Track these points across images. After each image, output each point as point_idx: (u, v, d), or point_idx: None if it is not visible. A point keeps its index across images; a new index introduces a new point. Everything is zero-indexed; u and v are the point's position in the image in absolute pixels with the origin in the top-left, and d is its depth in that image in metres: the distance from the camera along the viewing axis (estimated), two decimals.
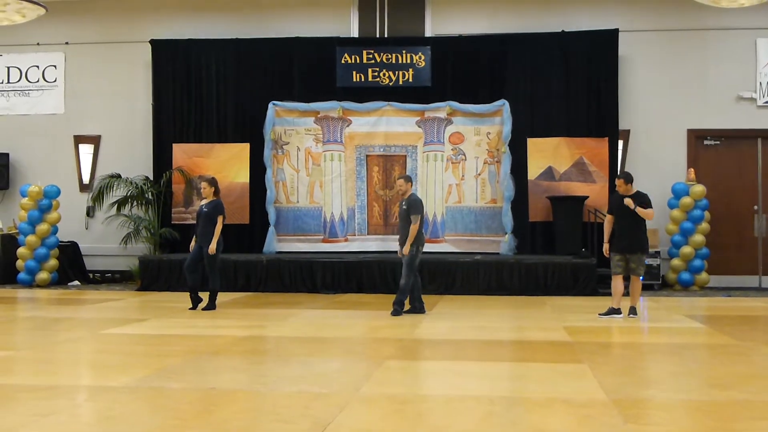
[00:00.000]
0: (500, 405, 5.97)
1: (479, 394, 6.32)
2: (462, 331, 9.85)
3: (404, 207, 11.22)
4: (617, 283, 11.01)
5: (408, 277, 11.11)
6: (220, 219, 11.65)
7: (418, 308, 11.37)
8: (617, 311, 10.88)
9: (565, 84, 15.86)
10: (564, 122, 15.84)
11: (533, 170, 15.84)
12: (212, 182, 12.06)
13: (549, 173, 15.83)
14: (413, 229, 10.99)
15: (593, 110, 15.82)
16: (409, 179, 11.55)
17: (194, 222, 16.20)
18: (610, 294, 13.82)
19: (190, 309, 11.67)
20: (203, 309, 11.67)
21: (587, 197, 15.31)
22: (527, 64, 15.98)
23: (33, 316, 11.56)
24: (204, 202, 11.97)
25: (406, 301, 11.30)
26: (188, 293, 11.89)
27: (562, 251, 15.05)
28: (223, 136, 16.62)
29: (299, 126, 16.36)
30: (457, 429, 5.22)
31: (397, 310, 11.13)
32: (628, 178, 10.92)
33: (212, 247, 11.51)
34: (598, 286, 14.15)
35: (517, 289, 14.23)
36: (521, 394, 6.46)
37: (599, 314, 10.97)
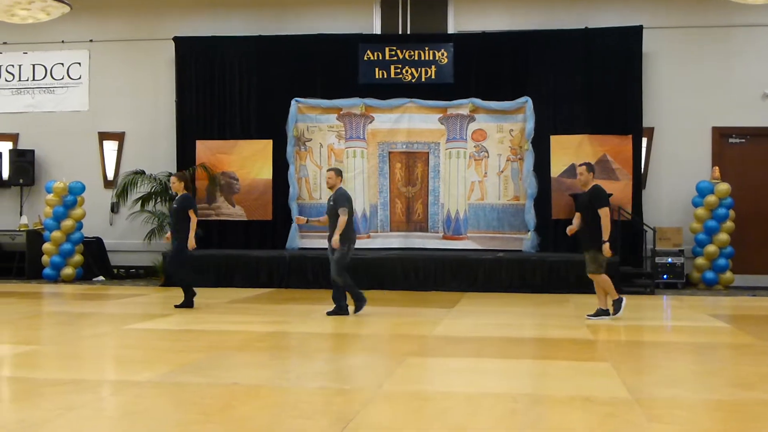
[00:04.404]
0: (522, 403, 5.96)
1: (501, 392, 6.31)
2: (484, 329, 9.84)
3: (331, 203, 10.84)
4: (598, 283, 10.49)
5: (341, 275, 10.70)
6: (191, 213, 11.43)
7: (344, 308, 10.88)
8: (606, 312, 10.44)
9: (589, 81, 15.77)
10: (587, 119, 15.75)
11: (556, 167, 15.77)
12: (181, 177, 11.86)
13: (572, 171, 15.72)
14: (341, 221, 10.58)
15: (617, 107, 15.72)
16: (339, 173, 11.09)
17: (217, 218, 16.51)
18: (634, 292, 13.84)
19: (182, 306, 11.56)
20: (177, 306, 11.49)
21: (611, 195, 15.13)
22: (550, 61, 15.91)
23: (58, 312, 11.65)
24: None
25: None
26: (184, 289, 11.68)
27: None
28: (246, 132, 16.67)
29: (322, 123, 16.39)
30: (479, 426, 5.21)
31: (359, 306, 10.83)
32: (590, 167, 10.54)
33: (191, 242, 11.36)
34: (622, 284, 14.07)
35: (539, 286, 14.20)
36: (543, 392, 6.45)
37: (588, 315, 10.54)
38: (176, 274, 11.70)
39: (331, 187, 10.96)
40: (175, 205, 11.66)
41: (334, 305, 10.89)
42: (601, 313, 10.42)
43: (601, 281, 10.41)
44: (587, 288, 13.78)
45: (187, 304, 11.49)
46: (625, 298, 10.56)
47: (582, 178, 10.43)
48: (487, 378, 6.93)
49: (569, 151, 15.74)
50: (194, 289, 11.60)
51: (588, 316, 10.46)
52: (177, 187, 11.72)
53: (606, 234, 10.07)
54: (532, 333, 9.85)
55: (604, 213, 10.13)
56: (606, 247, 10.06)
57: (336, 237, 10.56)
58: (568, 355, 8.03)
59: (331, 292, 10.97)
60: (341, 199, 10.75)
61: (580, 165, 10.64)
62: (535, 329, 10.14)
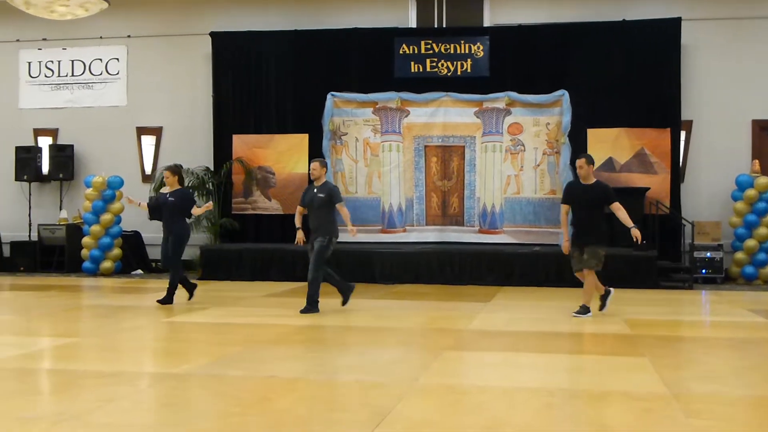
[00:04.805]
0: (559, 397, 5.94)
1: (537, 386, 6.29)
2: (520, 323, 9.81)
3: (321, 195, 10.36)
4: (587, 280, 10.19)
5: (319, 270, 10.34)
6: (195, 209, 11.23)
7: (350, 288, 10.69)
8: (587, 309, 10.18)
9: (627, 73, 15.62)
10: (625, 112, 15.62)
11: None
12: (175, 170, 11.37)
13: (609, 164, 15.64)
14: (345, 211, 10.44)
15: (655, 100, 15.57)
16: (324, 164, 10.68)
17: (254, 212, 16.59)
18: (672, 287, 13.71)
19: (188, 300, 11.41)
20: (159, 301, 11.22)
21: (648, 189, 15.10)
22: (588, 54, 15.78)
23: (97, 305, 11.78)
24: (166, 190, 11.41)
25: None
26: (185, 284, 11.44)
27: (622, 243, 14.84)
28: (282, 126, 16.74)
29: (357, 117, 16.41)
30: (516, 421, 5.20)
31: (309, 307, 10.38)
32: (590, 160, 10.16)
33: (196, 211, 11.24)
34: (659, 278, 13.97)
35: (576, 281, 14.02)
36: (580, 387, 6.42)
37: (573, 313, 10.20)
38: (175, 270, 11.24)
39: (316, 179, 10.54)
40: (171, 198, 11.14)
41: (342, 295, 10.71)
42: (586, 310, 10.18)
43: (592, 278, 10.17)
44: (624, 283, 13.73)
45: (170, 299, 11.23)
46: (613, 291, 10.42)
47: (582, 171, 10.10)
48: (523, 372, 6.91)
49: (606, 145, 15.63)
50: (234, 282, 11.52)
51: (575, 313, 10.18)
52: (171, 181, 11.28)
53: (630, 221, 9.94)
54: (568, 328, 9.78)
55: (618, 206, 9.99)
56: (636, 231, 9.90)
57: (350, 226, 10.39)
58: (605, 350, 7.99)
59: (336, 287, 10.71)
60: (337, 192, 10.61)
61: (579, 157, 10.31)
62: (571, 324, 10.08)
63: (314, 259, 10.35)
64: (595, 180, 10.18)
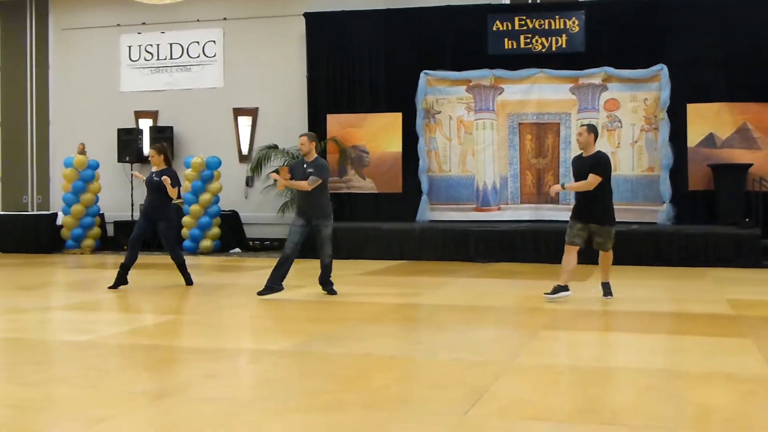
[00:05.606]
0: (659, 378, 5.84)
1: (637, 367, 6.20)
2: (617, 302, 9.66)
3: (311, 171, 9.70)
4: (571, 256, 9.47)
5: (331, 256, 9.95)
6: (177, 189, 10.76)
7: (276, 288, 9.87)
8: (565, 288, 9.46)
9: (727, 46, 15.11)
10: (726, 86, 15.15)
11: (693, 137, 15.27)
12: (161, 149, 11.01)
13: (710, 140, 15.23)
14: (304, 184, 9.59)
15: (757, 73, 15.05)
16: (313, 138, 10.04)
17: (348, 191, 16.72)
18: None
19: (110, 287, 10.73)
20: (187, 283, 11.08)
21: (751, 165, 14.65)
22: (686, 27, 15.32)
23: (197, 282, 12.02)
24: (154, 170, 10.97)
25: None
26: (120, 269, 10.81)
27: (723, 221, 14.49)
28: (375, 105, 16.79)
29: (451, 95, 16.34)
30: (616, 401, 5.14)
31: (331, 289, 10.04)
32: (591, 129, 9.49)
33: (173, 193, 10.61)
34: (764, 257, 13.57)
35: (675, 260, 13.80)
36: (681, 368, 6.29)
37: (545, 294, 9.51)
38: (175, 252, 10.99)
39: (305, 154, 9.88)
40: (155, 178, 10.75)
41: (267, 285, 9.79)
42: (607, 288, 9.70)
43: (610, 258, 9.65)
44: (726, 262, 13.40)
45: (189, 280, 11.15)
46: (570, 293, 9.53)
47: (581, 139, 9.47)
48: (622, 352, 6.82)
49: (707, 120, 15.21)
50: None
51: (605, 295, 9.70)
52: (156, 160, 10.91)
53: (575, 187, 9.42)
54: (667, 307, 9.60)
55: (594, 179, 9.22)
56: (557, 187, 9.58)
57: (291, 181, 9.67)
58: (706, 331, 7.80)
59: (274, 274, 9.85)
60: (323, 169, 9.80)
61: (582, 125, 9.78)
62: (671, 303, 9.89)
63: (329, 245, 9.89)
64: (595, 151, 9.49)
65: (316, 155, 9.90)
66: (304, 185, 9.62)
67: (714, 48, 15.16)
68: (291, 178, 9.79)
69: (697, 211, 15.27)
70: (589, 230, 9.46)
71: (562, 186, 9.52)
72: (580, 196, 9.53)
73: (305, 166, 9.79)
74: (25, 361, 6.42)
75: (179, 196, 10.96)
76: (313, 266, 11.77)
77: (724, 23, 15.19)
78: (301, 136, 10.06)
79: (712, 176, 14.93)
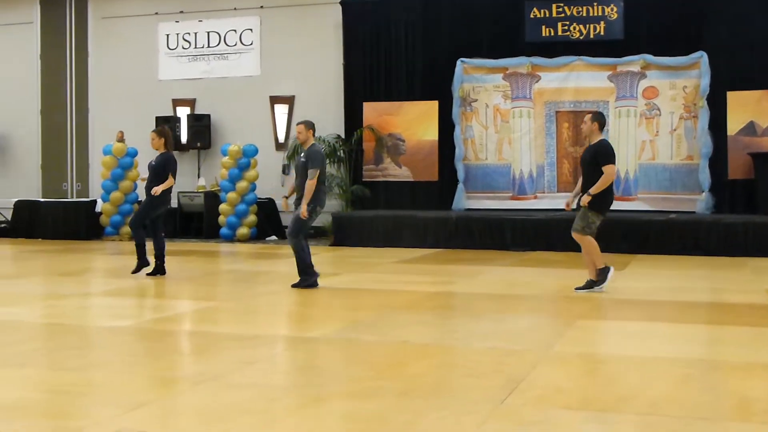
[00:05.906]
0: (698, 368, 5.80)
1: (675, 357, 6.15)
2: (656, 292, 9.59)
3: (303, 159, 9.40)
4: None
5: (297, 237, 9.43)
6: (170, 176, 10.59)
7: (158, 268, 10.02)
8: (605, 270, 9.19)
9: (767, 32, 14.92)
10: (767, 74, 14.94)
11: (733, 125, 15.09)
12: (161, 133, 10.91)
13: (750, 128, 15.03)
14: (309, 185, 9.22)
15: None
16: (310, 125, 9.56)
17: (384, 179, 16.73)
18: None
19: (148, 274, 10.68)
20: (148, 273, 10.67)
21: None
22: (727, 13, 15.10)
23: (234, 269, 12.15)
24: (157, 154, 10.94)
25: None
26: (136, 250, 10.74)
27: (764, 210, 14.30)
28: (411, 93, 16.77)
29: (487, 83, 16.26)
30: (654, 391, 5.11)
31: (305, 279, 9.53)
32: (596, 117, 9.23)
33: (156, 189, 10.45)
34: None
35: (714, 249, 13.64)
36: (720, 358, 6.25)
37: (576, 288, 9.26)
38: (136, 234, 10.70)
39: (302, 142, 9.57)
40: (153, 163, 10.76)
41: (301, 277, 9.57)
42: (591, 284, 9.26)
43: (586, 244, 9.25)
44: (766, 252, 13.22)
45: (142, 264, 10.73)
46: (612, 269, 9.28)
47: (584, 127, 9.30)
48: (659, 342, 6.77)
49: (748, 108, 15.02)
50: (366, 248, 11.36)
51: (576, 288, 9.32)
52: (157, 143, 10.81)
53: (597, 189, 8.99)
54: (706, 297, 9.52)
55: (609, 171, 9.00)
56: (587, 198, 9.01)
57: (304, 206, 9.28)
58: (746, 321, 7.72)
59: (299, 267, 9.63)
60: (315, 158, 9.32)
61: (587, 114, 9.51)
62: (710, 293, 9.80)
63: (293, 225, 9.47)
64: (599, 139, 9.26)
65: (313, 142, 9.54)
66: (310, 186, 9.26)
67: (754, 34, 14.96)
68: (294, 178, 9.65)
69: (737, 200, 15.09)
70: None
71: (589, 195, 9.21)
72: (585, 183, 9.22)
73: (301, 155, 9.56)
74: (65, 347, 6.51)
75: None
76: (350, 254, 11.87)
77: (765, 9, 14.96)
78: (298, 124, 9.70)
79: (752, 165, 14.74)
